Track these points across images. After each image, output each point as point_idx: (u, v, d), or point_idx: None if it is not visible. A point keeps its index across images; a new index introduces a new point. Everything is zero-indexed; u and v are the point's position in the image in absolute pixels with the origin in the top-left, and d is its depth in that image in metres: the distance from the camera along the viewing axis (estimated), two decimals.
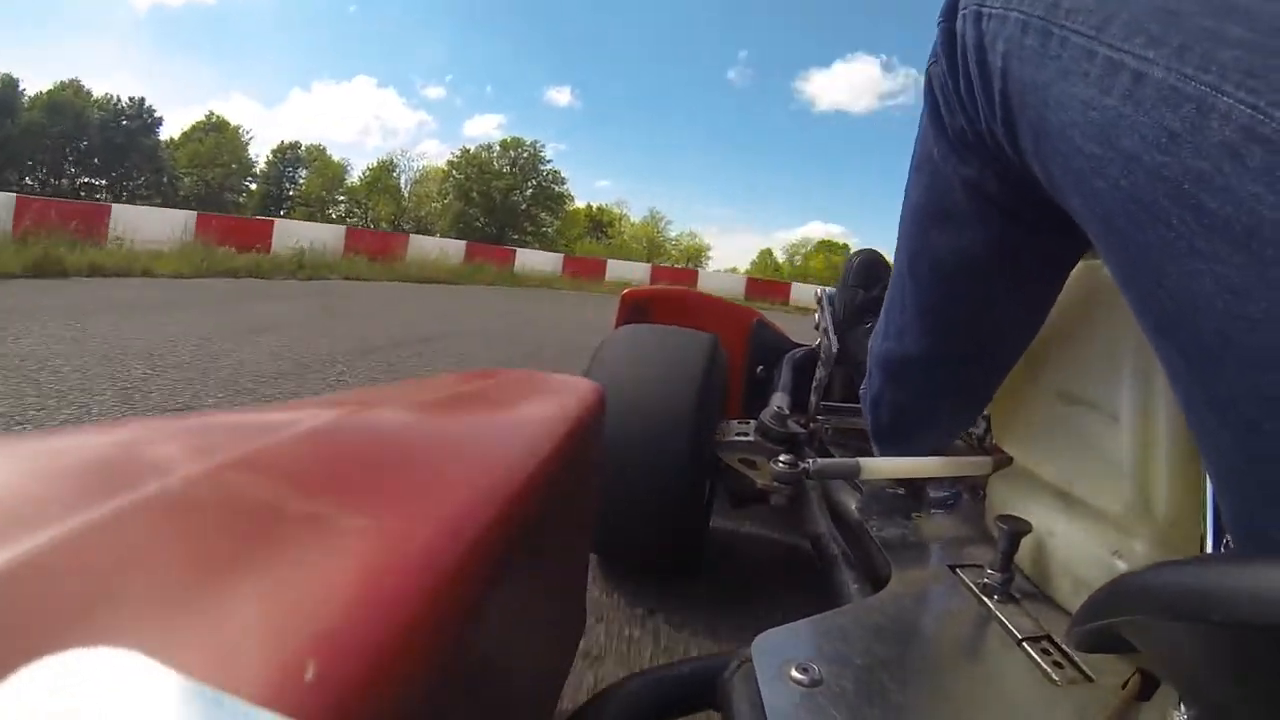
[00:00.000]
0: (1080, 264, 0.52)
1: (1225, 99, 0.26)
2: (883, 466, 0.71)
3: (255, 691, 0.11)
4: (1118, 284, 0.35)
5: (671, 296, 1.25)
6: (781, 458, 0.73)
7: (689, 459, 0.76)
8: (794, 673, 0.40)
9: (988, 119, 0.40)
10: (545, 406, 0.35)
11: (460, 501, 0.20)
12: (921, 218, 0.53)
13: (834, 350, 1.01)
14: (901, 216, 0.57)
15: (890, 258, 1.08)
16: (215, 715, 0.10)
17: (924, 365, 0.62)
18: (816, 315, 1.10)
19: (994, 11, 0.37)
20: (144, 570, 0.13)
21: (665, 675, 0.43)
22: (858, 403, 0.95)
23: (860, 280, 1.04)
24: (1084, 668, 0.44)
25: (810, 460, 0.72)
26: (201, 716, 0.10)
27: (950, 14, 0.41)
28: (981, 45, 0.38)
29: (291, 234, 8.90)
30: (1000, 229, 0.47)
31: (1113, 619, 0.28)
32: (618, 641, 0.77)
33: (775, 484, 0.74)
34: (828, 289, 1.14)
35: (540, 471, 0.24)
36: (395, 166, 33.21)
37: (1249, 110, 0.25)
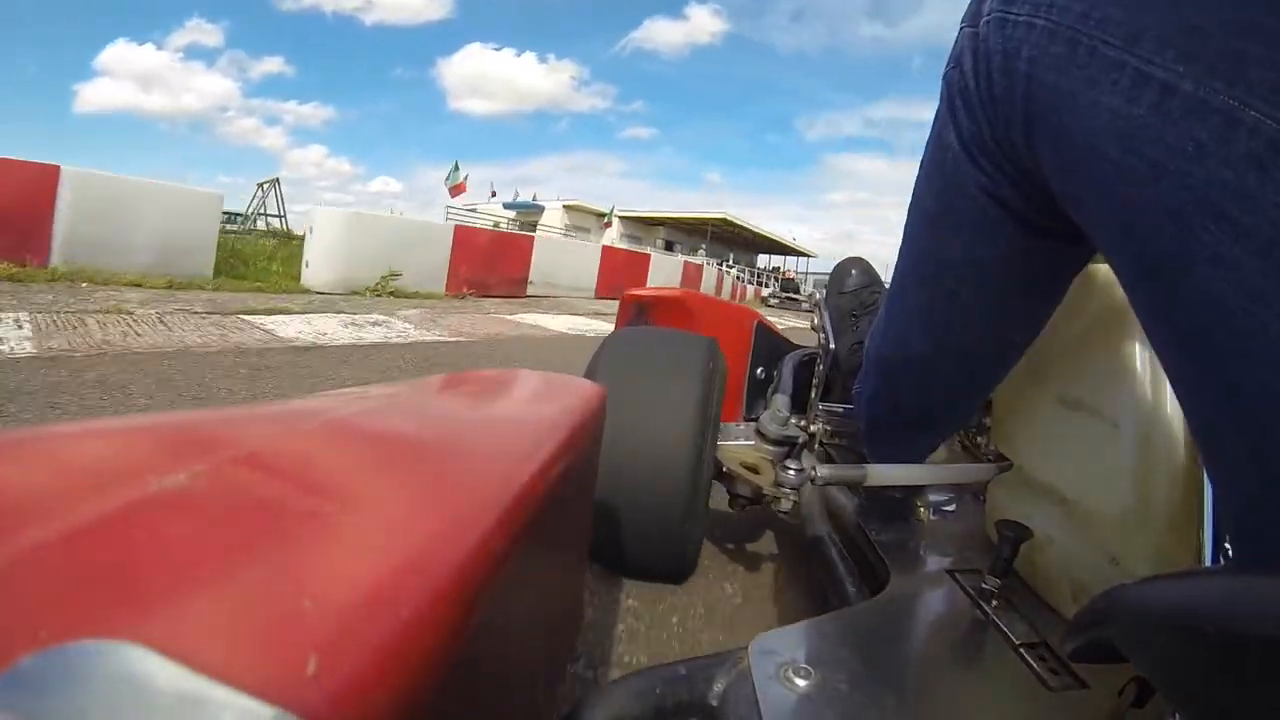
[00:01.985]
0: (1083, 270, 0.52)
1: (1252, 114, 0.27)
2: (888, 474, 0.71)
3: (257, 685, 0.11)
4: (1127, 291, 0.36)
5: (673, 298, 1.25)
6: (789, 464, 0.73)
7: (693, 467, 0.75)
8: (791, 674, 0.40)
9: (1007, 124, 0.40)
10: (547, 406, 0.35)
11: (461, 499, 0.20)
12: (931, 221, 0.54)
13: (832, 350, 1.01)
14: (908, 218, 0.57)
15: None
16: (216, 707, 0.10)
17: (923, 365, 0.63)
18: (814, 318, 1.11)
19: (1020, 18, 0.37)
20: (148, 564, 0.13)
21: (662, 675, 0.43)
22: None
23: (849, 286, 1.06)
24: (1080, 674, 0.44)
25: (815, 467, 0.72)
26: (203, 708, 0.10)
27: (974, 19, 0.42)
28: (1006, 50, 0.38)
29: None
30: (1011, 236, 0.47)
31: (1105, 631, 0.29)
32: None
33: (783, 490, 0.74)
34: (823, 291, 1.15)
35: (542, 471, 0.24)
36: None
37: (1275, 125, 0.26)
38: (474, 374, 0.41)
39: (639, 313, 1.22)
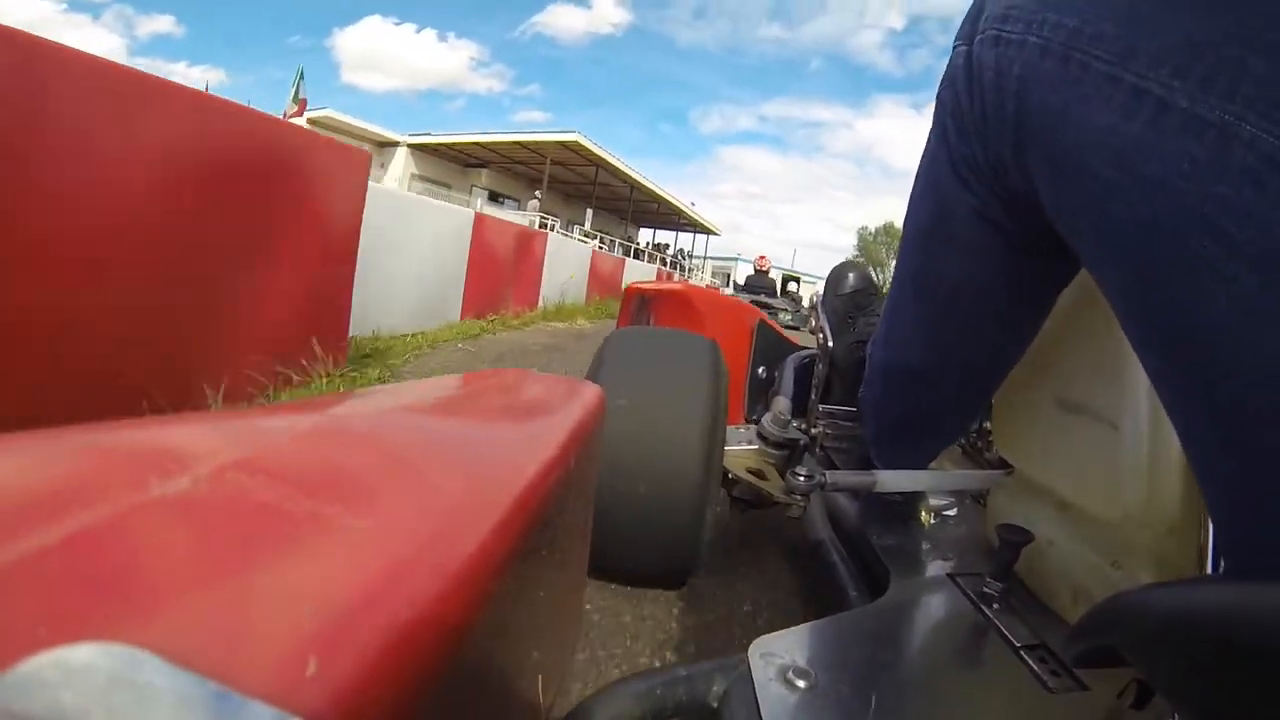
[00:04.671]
0: (1082, 273, 0.52)
1: (1248, 128, 0.27)
2: (897, 480, 0.71)
3: (257, 687, 0.11)
4: (1115, 306, 0.36)
5: (675, 294, 1.25)
6: (799, 470, 0.73)
7: (703, 478, 0.73)
8: (791, 677, 0.40)
9: (998, 143, 0.40)
10: (547, 407, 0.35)
11: (462, 502, 0.20)
12: (925, 238, 0.54)
13: (830, 349, 1.01)
14: (904, 232, 0.58)
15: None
16: (216, 709, 0.10)
17: (926, 376, 0.64)
18: (812, 320, 1.11)
19: (1013, 36, 0.37)
20: (148, 566, 0.13)
21: (662, 679, 0.43)
22: (856, 406, 0.95)
23: (845, 289, 1.07)
24: (1080, 677, 0.44)
25: (825, 473, 0.72)
26: (203, 710, 0.10)
27: (968, 38, 0.42)
28: (999, 68, 0.38)
29: None
30: (1001, 254, 0.48)
31: (1108, 637, 0.29)
32: None
33: (794, 497, 0.74)
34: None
35: (542, 472, 0.24)
36: None
37: (1271, 139, 0.26)
38: (474, 375, 0.41)
39: (641, 306, 1.22)
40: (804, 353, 1.16)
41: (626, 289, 1.28)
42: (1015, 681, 0.45)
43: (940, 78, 0.46)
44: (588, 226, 16.15)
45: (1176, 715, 0.35)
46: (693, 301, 1.21)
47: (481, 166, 18.91)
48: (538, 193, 15.11)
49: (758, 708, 0.38)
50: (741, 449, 0.85)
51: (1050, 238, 0.42)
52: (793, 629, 0.46)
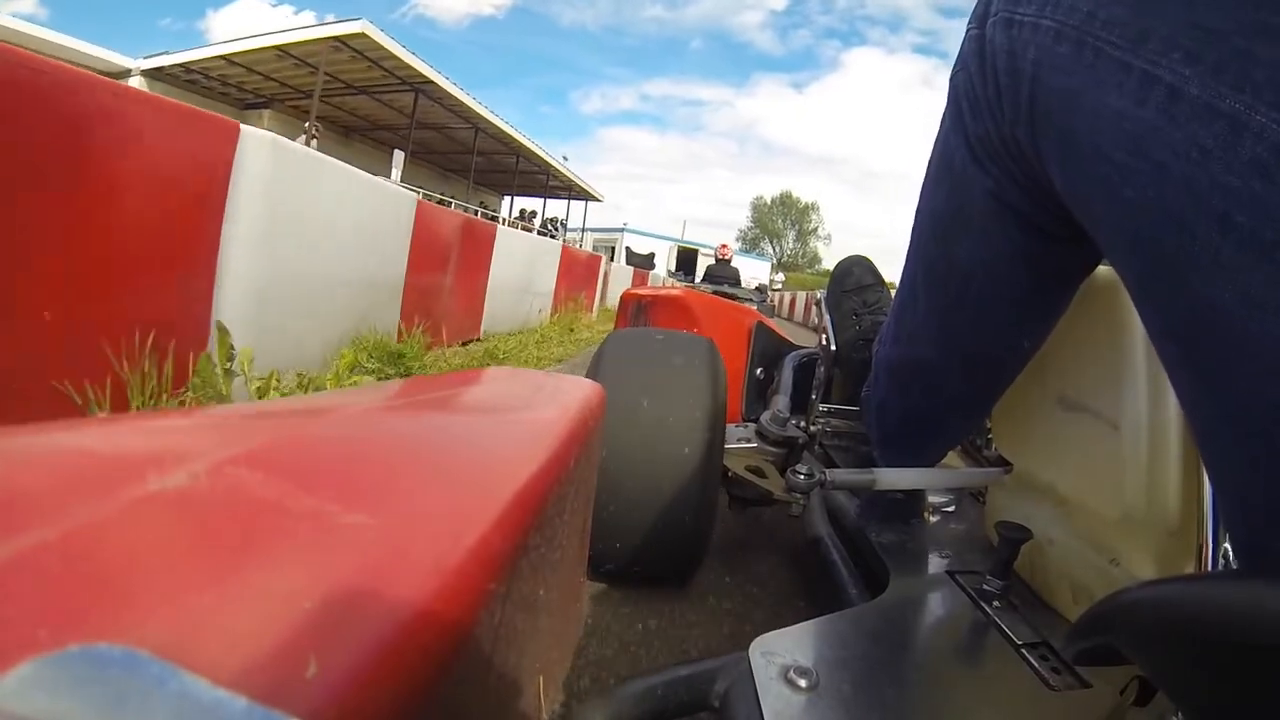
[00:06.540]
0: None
1: (1259, 118, 0.26)
2: (897, 478, 0.71)
3: (256, 687, 0.11)
4: (1131, 293, 0.36)
5: (672, 298, 1.25)
6: (799, 468, 0.73)
7: (702, 474, 0.74)
8: (792, 676, 0.40)
9: (1013, 125, 0.40)
10: (546, 406, 0.35)
11: (461, 500, 0.20)
12: (939, 226, 0.54)
13: (834, 350, 1.01)
14: (915, 223, 0.57)
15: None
16: (216, 710, 0.10)
17: (933, 371, 0.62)
18: (815, 316, 1.11)
19: (1026, 19, 0.37)
20: (147, 566, 0.13)
21: (663, 678, 0.43)
22: (857, 405, 0.95)
23: (851, 284, 1.05)
24: (1081, 674, 0.44)
25: (824, 471, 0.72)
26: (202, 711, 0.10)
27: (980, 21, 0.42)
28: (1012, 51, 0.38)
29: None
30: (1019, 239, 0.47)
31: (1106, 635, 0.29)
32: None
33: (794, 495, 0.74)
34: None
35: (542, 470, 0.24)
36: None
37: None
38: (473, 373, 0.41)
39: (638, 311, 1.23)
40: (803, 351, 1.16)
41: (623, 295, 1.29)
42: (1017, 679, 0.45)
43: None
44: (397, 177, 8.65)
45: (1179, 712, 0.35)
46: (689, 306, 1.22)
47: (264, 107, 12.09)
48: (308, 125, 8.63)
49: (759, 706, 0.38)
50: (741, 447, 0.85)
51: (1066, 222, 0.41)
52: (793, 627, 0.46)
